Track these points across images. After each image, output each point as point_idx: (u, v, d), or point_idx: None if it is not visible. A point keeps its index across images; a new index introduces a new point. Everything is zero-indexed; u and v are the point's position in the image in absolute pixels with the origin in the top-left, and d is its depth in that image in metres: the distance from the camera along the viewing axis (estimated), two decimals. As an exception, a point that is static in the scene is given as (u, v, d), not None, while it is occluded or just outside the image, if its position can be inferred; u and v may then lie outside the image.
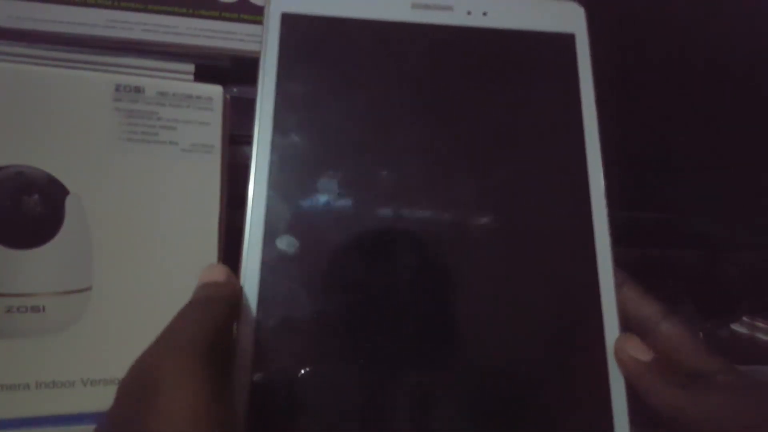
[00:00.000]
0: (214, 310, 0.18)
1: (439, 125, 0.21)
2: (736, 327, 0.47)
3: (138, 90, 0.29)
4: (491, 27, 0.22)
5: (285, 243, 0.20)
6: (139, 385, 0.16)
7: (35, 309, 0.27)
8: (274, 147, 0.20)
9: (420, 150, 0.21)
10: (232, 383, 0.18)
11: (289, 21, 0.21)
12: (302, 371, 0.19)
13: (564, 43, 0.22)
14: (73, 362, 0.28)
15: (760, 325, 0.46)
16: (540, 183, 0.21)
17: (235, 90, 0.35)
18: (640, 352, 0.19)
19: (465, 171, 0.21)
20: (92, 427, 0.29)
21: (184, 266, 0.29)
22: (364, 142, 0.21)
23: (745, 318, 0.47)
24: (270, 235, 0.20)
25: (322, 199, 0.20)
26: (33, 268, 0.28)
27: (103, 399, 0.28)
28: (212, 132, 0.30)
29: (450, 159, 0.21)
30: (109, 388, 0.28)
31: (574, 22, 0.22)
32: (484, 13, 0.22)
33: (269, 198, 0.20)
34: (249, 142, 0.35)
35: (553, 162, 0.21)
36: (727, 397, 0.18)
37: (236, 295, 0.19)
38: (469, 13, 0.22)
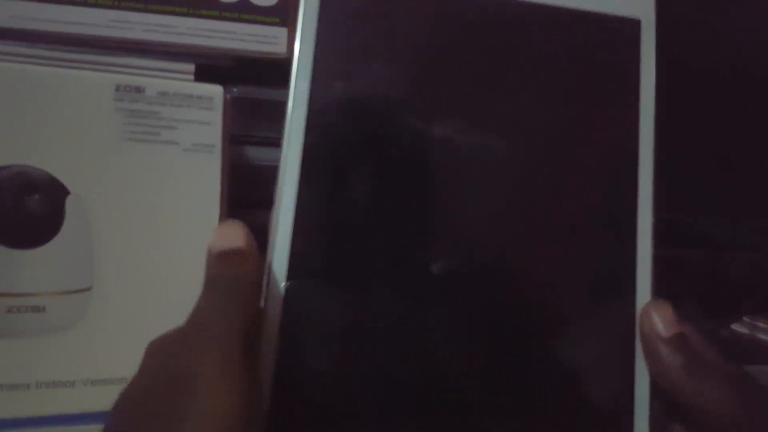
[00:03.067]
0: (246, 293, 0.17)
1: (485, 106, 0.20)
2: (736, 327, 0.47)
3: (138, 90, 0.29)
4: (550, 4, 0.20)
5: (319, 233, 0.18)
6: (170, 382, 0.15)
7: (36, 309, 0.27)
8: (309, 129, 0.19)
9: (466, 126, 0.20)
10: (259, 374, 0.17)
11: None
12: (334, 369, 0.18)
13: (628, 28, 0.21)
14: (74, 362, 0.28)
15: (761, 325, 0.46)
16: (586, 169, 0.20)
17: (235, 90, 0.35)
18: (663, 324, 0.18)
19: (509, 154, 0.20)
20: (92, 427, 0.29)
21: (185, 266, 0.29)
22: (406, 120, 0.20)
23: (745, 318, 0.47)
24: (302, 218, 0.18)
25: (358, 183, 0.19)
26: (33, 268, 0.28)
27: (103, 399, 0.28)
28: (213, 132, 0.30)
29: (495, 140, 0.20)
30: (110, 388, 0.28)
31: (642, 6, 0.21)
32: None
33: (299, 191, 0.18)
34: (249, 142, 0.35)
35: (602, 154, 0.20)
36: (738, 393, 0.17)
37: (261, 268, 0.17)
38: None
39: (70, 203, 0.28)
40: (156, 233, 0.29)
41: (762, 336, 0.46)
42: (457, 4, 0.20)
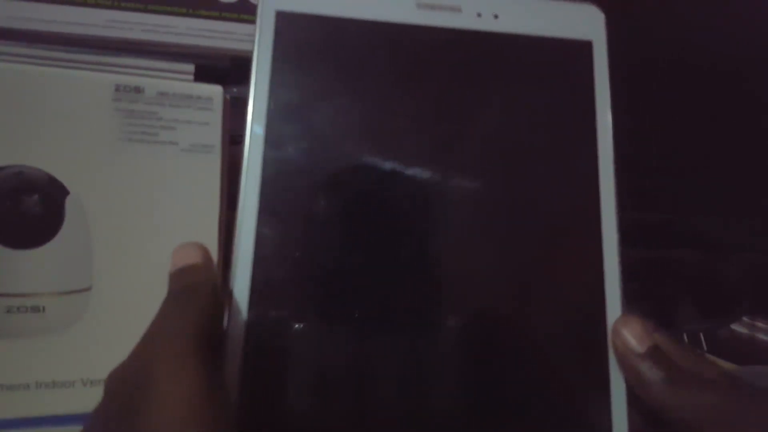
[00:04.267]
0: (198, 299, 0.18)
1: (441, 133, 0.20)
2: (736, 327, 0.47)
3: (138, 90, 0.29)
4: (502, 31, 0.21)
5: (278, 237, 0.19)
6: (131, 383, 0.16)
7: (35, 309, 0.27)
8: (267, 151, 0.19)
9: (421, 156, 0.20)
10: (226, 372, 0.18)
11: (284, 20, 0.21)
12: (297, 364, 0.18)
13: (580, 51, 0.21)
14: (73, 362, 0.28)
15: (760, 325, 0.46)
16: (548, 189, 0.20)
17: (235, 90, 0.35)
18: (636, 340, 0.18)
19: (467, 182, 0.20)
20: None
21: (184, 266, 0.29)
22: (361, 148, 0.20)
23: (745, 318, 0.47)
24: (261, 230, 0.19)
25: (315, 196, 0.20)
26: (33, 268, 0.28)
27: (103, 399, 0.28)
28: (212, 132, 0.30)
29: (452, 169, 0.20)
30: (109, 388, 0.28)
31: (592, 28, 0.21)
32: (495, 16, 0.21)
33: (261, 197, 0.19)
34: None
35: (562, 174, 0.20)
36: (722, 399, 0.17)
37: (216, 278, 0.19)
38: (479, 15, 0.21)
39: (69, 203, 0.28)
40: (155, 234, 0.29)
41: (761, 336, 0.46)
42: (412, 35, 0.21)
